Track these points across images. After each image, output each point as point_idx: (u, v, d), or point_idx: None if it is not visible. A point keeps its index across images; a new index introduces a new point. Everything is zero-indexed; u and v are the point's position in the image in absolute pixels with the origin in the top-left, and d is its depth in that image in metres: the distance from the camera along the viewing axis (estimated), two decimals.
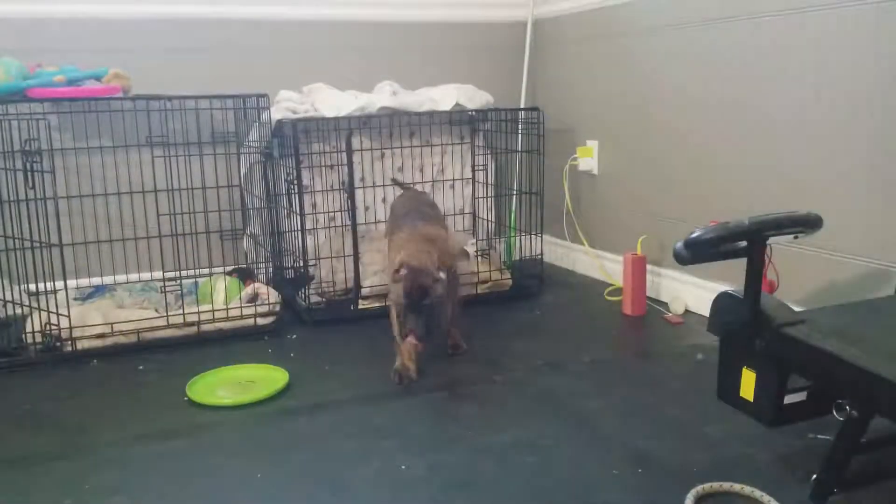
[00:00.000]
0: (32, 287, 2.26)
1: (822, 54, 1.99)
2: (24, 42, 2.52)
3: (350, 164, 2.45)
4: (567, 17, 3.01)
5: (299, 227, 2.48)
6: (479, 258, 2.74)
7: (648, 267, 2.55)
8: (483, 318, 2.49)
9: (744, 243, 1.37)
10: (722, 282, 2.34)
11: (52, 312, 2.14)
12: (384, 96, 2.66)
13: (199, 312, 2.30)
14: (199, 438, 1.69)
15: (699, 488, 1.40)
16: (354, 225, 2.50)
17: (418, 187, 2.85)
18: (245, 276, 2.62)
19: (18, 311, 2.34)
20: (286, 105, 2.63)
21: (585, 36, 2.91)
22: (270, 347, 2.27)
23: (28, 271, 2.17)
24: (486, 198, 2.96)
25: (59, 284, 2.17)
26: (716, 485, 1.41)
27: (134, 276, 2.76)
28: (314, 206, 2.66)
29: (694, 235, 1.33)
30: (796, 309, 1.49)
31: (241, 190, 2.78)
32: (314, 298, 2.55)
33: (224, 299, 2.44)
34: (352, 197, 2.49)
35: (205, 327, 2.30)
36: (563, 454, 1.58)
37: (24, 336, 2.18)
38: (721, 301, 1.47)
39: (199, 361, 2.12)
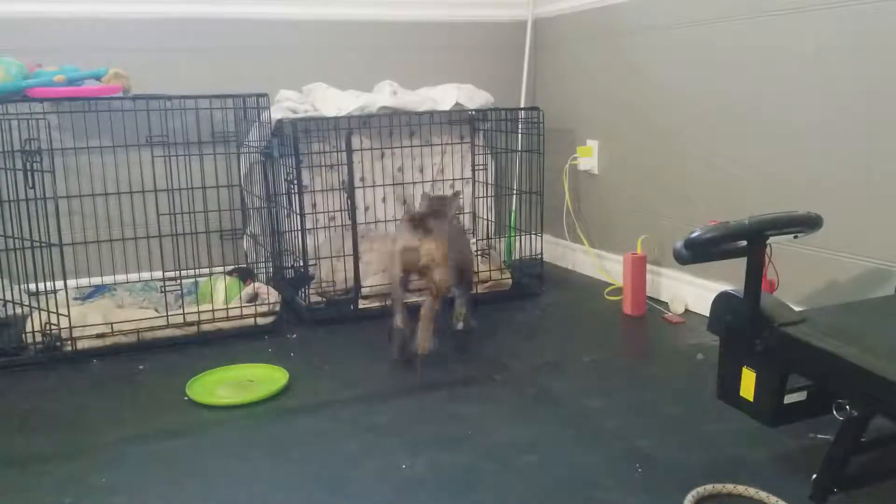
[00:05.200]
0: (32, 287, 2.27)
1: (822, 53, 1.99)
2: (24, 42, 2.52)
3: (350, 163, 2.45)
4: (567, 16, 3.01)
5: (299, 227, 2.48)
6: (479, 258, 2.74)
7: (648, 267, 2.55)
8: (483, 318, 2.49)
9: (744, 243, 1.37)
10: (722, 281, 2.34)
11: (52, 312, 2.14)
12: (384, 96, 2.66)
13: (199, 312, 2.30)
14: (198, 438, 1.69)
15: (699, 490, 1.40)
16: (354, 225, 2.50)
17: (418, 187, 2.85)
18: (245, 275, 2.62)
19: (18, 311, 2.34)
20: (286, 105, 2.63)
21: (585, 35, 2.91)
22: (270, 347, 2.27)
23: (28, 271, 2.17)
24: (486, 198, 2.96)
25: (59, 284, 2.17)
26: (718, 486, 1.41)
27: (134, 276, 2.76)
28: (314, 205, 2.66)
29: (694, 235, 1.33)
30: (796, 308, 1.49)
31: (241, 190, 2.78)
32: (314, 298, 2.55)
33: (224, 299, 2.44)
34: (352, 197, 2.48)
35: (205, 327, 2.30)
36: (562, 454, 1.58)
37: (24, 336, 2.18)
38: (721, 300, 1.47)
39: (199, 361, 2.12)
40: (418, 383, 1.97)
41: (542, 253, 2.80)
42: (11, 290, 2.35)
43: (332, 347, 2.25)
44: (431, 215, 2.10)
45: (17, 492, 1.48)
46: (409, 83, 2.88)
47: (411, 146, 2.81)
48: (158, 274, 2.60)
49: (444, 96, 2.73)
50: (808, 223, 1.43)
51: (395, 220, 2.85)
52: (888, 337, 1.37)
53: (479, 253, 2.77)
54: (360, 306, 2.51)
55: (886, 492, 1.39)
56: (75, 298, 2.45)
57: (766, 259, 1.96)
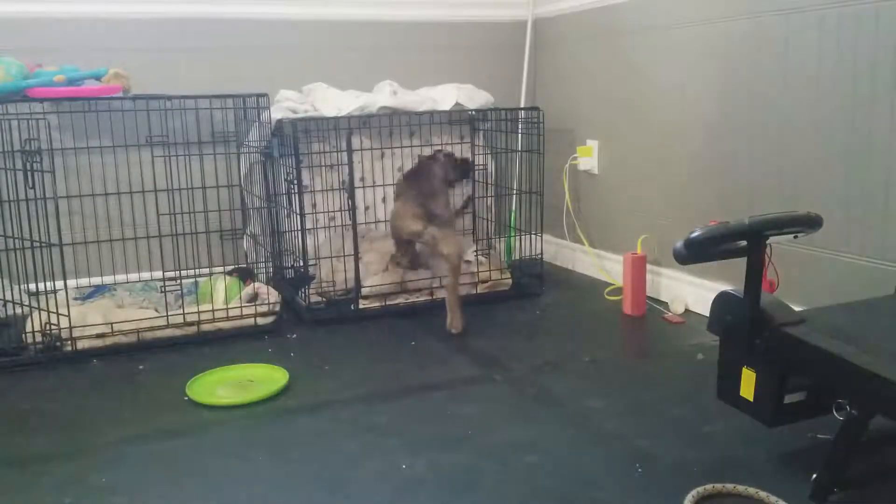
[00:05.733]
0: (32, 287, 2.26)
1: (822, 54, 1.99)
2: (24, 42, 2.52)
3: (350, 163, 2.45)
4: (567, 16, 3.01)
5: (299, 227, 2.48)
6: (479, 258, 2.74)
7: (648, 267, 2.55)
8: (483, 318, 2.49)
9: (744, 243, 1.37)
10: (722, 281, 2.34)
11: (52, 312, 2.14)
12: (384, 96, 2.66)
13: (199, 312, 2.29)
14: (198, 438, 1.69)
15: (699, 490, 1.40)
16: (354, 225, 2.50)
17: None
18: (245, 275, 2.62)
19: (18, 311, 2.34)
20: (286, 105, 2.63)
21: (585, 35, 2.91)
22: (270, 347, 2.27)
23: (28, 271, 2.17)
24: (486, 198, 2.96)
25: (59, 284, 2.17)
26: (718, 486, 1.41)
27: (134, 276, 2.76)
28: (314, 205, 2.66)
29: (694, 235, 1.33)
30: (796, 308, 1.49)
31: (241, 190, 2.78)
32: (314, 298, 2.55)
33: (224, 299, 2.44)
34: (352, 197, 2.49)
35: (205, 327, 2.30)
36: (563, 454, 1.58)
37: (24, 336, 2.18)
38: (721, 300, 1.47)
39: (199, 361, 2.12)
40: (418, 383, 1.97)
41: (542, 253, 2.80)
42: (11, 290, 2.35)
43: (332, 347, 2.25)
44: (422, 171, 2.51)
45: (17, 492, 1.48)
46: (409, 83, 2.88)
47: (411, 146, 2.80)
48: (158, 274, 2.60)
49: (444, 96, 2.73)
50: (808, 223, 1.43)
51: None
52: (888, 337, 1.38)
53: (478, 253, 2.77)
54: (361, 306, 2.51)
55: (886, 492, 1.39)
56: (75, 298, 2.46)
57: (766, 259, 1.96)
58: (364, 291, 2.53)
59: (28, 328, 2.18)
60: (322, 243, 2.69)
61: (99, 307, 2.33)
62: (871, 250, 1.93)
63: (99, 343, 2.20)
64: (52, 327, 2.14)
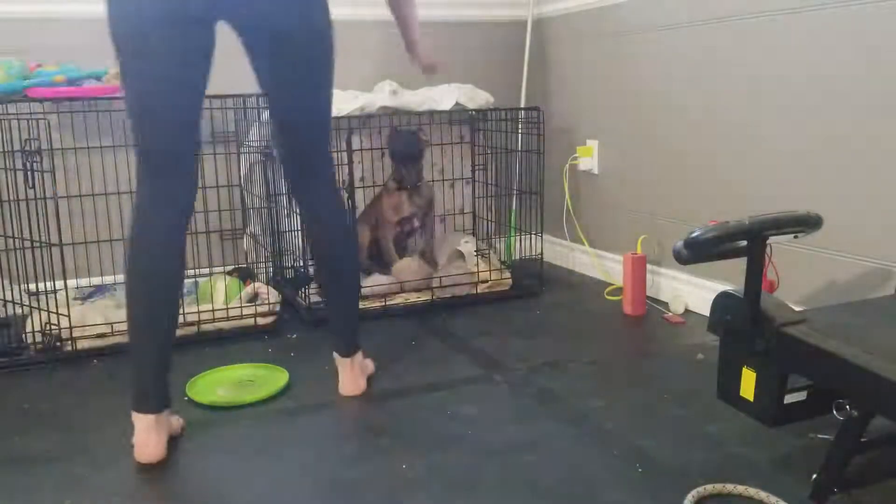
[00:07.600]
0: (32, 287, 2.26)
1: (822, 53, 1.99)
2: (24, 42, 2.52)
3: (350, 163, 2.45)
4: (567, 16, 3.01)
5: (299, 227, 2.48)
6: (479, 258, 2.74)
7: (648, 267, 2.55)
8: (483, 318, 2.49)
9: (744, 243, 1.37)
10: (722, 281, 2.34)
11: (52, 312, 2.14)
12: (384, 96, 2.66)
13: (199, 312, 2.29)
14: (199, 438, 1.69)
15: (699, 490, 1.40)
16: (354, 225, 2.50)
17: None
18: (245, 275, 2.62)
19: (18, 311, 2.34)
20: None
21: (585, 35, 2.91)
22: (270, 347, 2.27)
23: (28, 271, 2.17)
24: (486, 197, 2.96)
25: (59, 284, 2.17)
26: (718, 486, 1.41)
27: None
28: None
29: (694, 235, 1.33)
30: (796, 308, 1.49)
31: (241, 190, 2.78)
32: (314, 298, 2.55)
33: (224, 299, 2.44)
34: (352, 197, 2.49)
35: (205, 327, 2.30)
36: (563, 454, 1.58)
37: (24, 336, 2.19)
38: (721, 300, 1.47)
39: (199, 361, 2.12)
40: (418, 383, 1.97)
41: (542, 253, 2.80)
42: (11, 290, 2.35)
43: None
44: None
45: (17, 492, 1.48)
46: (409, 83, 2.88)
47: None
48: None
49: (444, 96, 2.73)
50: (808, 223, 1.43)
51: None
52: (888, 337, 1.37)
53: (478, 253, 2.77)
54: (360, 306, 2.51)
55: (886, 492, 1.39)
56: (75, 298, 2.45)
57: (766, 259, 1.96)
58: (364, 291, 2.53)
59: (28, 328, 2.18)
60: None
61: (99, 307, 2.33)
62: (871, 250, 1.93)
63: (99, 343, 2.20)
64: (52, 327, 2.14)
